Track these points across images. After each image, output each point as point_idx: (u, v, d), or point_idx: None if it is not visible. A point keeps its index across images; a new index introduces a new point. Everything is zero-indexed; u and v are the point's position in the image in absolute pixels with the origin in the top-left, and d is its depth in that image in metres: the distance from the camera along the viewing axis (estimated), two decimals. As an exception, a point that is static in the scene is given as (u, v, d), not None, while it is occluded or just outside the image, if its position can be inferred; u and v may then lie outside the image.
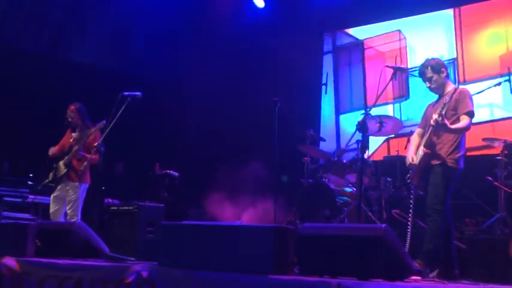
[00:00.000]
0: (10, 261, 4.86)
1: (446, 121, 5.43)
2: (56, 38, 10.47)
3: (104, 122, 7.45)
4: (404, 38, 10.31)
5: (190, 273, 4.13)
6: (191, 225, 4.57)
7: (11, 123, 9.78)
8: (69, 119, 7.87)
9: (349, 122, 10.72)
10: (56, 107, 8.29)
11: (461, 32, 9.71)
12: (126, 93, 7.19)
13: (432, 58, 5.93)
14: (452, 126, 5.52)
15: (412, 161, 5.77)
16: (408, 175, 5.83)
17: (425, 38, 10.14)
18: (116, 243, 6.44)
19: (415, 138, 6.00)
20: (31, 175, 9.17)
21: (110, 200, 8.38)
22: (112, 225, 7.56)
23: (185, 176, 9.90)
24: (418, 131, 6.04)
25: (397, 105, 9.78)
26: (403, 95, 6.02)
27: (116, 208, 7.87)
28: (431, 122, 5.49)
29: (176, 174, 9.66)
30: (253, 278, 3.90)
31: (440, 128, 5.50)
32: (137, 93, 7.28)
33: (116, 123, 7.21)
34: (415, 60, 9.99)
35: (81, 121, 7.86)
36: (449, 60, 9.60)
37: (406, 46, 10.25)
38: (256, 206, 9.29)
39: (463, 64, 9.59)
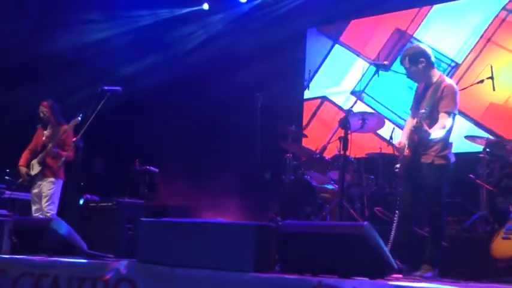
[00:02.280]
0: (-15, 259, 4.78)
1: (426, 127, 5.26)
2: (36, 31, 10.30)
3: (79, 118, 7.39)
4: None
5: (170, 270, 4.08)
6: (171, 222, 4.53)
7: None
8: (41, 115, 7.80)
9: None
10: (34, 102, 8.18)
11: (493, 35, 9.02)
12: (106, 87, 7.13)
13: (411, 46, 5.77)
14: (433, 135, 5.32)
15: (400, 145, 5.65)
16: (397, 165, 5.67)
17: (449, 22, 9.58)
18: (94, 240, 6.38)
19: (408, 121, 5.84)
20: (8, 170, 9.03)
21: (89, 196, 8.28)
22: (91, 222, 7.50)
23: (165, 172, 9.82)
24: (410, 116, 5.87)
25: (369, 72, 8.38)
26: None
27: (94, 204, 7.80)
28: (411, 127, 5.35)
29: (156, 170, 9.58)
30: (233, 275, 3.86)
31: (421, 134, 5.33)
32: (117, 87, 7.22)
33: (96, 118, 7.15)
34: (424, 34, 9.65)
35: (53, 117, 7.80)
36: (451, 62, 9.29)
37: (428, 13, 9.76)
38: (238, 202, 9.26)
39: (462, 76, 9.13)
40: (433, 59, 5.63)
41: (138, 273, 4.21)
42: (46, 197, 7.55)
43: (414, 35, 9.78)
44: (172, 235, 4.28)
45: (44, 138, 7.75)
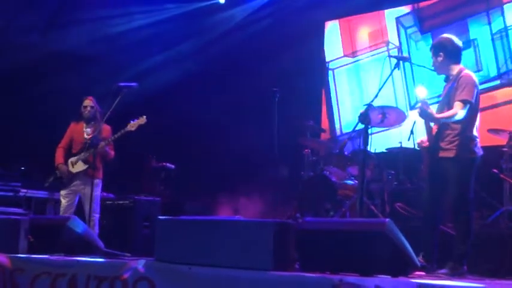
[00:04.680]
0: (2, 258, 4.77)
1: (431, 110, 5.22)
2: (50, 27, 10.27)
3: (145, 117, 7.35)
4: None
5: (188, 269, 4.06)
6: (189, 221, 4.52)
7: (1, 116, 9.60)
8: (89, 109, 7.60)
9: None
10: (47, 100, 8.13)
11: None
12: (122, 83, 7.07)
13: (439, 39, 5.65)
14: (438, 116, 5.27)
15: (422, 143, 5.58)
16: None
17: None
18: (110, 238, 6.35)
19: None
20: (23, 168, 8.99)
21: (105, 194, 8.25)
22: (107, 220, 7.45)
23: (182, 169, 9.76)
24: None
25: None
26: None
27: (111, 202, 7.76)
28: (417, 111, 5.29)
29: (173, 166, 9.53)
30: (252, 274, 3.84)
31: (426, 117, 5.29)
32: (133, 83, 7.16)
33: (112, 115, 7.11)
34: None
35: (98, 114, 7.63)
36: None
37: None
38: (256, 199, 9.19)
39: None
40: (455, 53, 5.50)
41: (156, 272, 4.20)
42: (92, 199, 7.26)
43: (504, 6, 8.82)
44: (190, 233, 4.26)
45: (85, 135, 7.55)
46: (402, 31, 9.73)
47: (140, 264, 4.28)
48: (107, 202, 7.80)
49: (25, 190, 8.59)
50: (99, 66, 10.38)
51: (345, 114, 10.39)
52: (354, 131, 6.74)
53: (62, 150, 7.64)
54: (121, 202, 7.65)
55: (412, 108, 9.34)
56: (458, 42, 5.56)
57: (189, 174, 10.01)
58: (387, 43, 9.88)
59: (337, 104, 10.48)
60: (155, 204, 7.86)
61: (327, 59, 10.63)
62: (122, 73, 9.77)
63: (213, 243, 4.11)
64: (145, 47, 10.95)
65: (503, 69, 8.67)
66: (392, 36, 9.88)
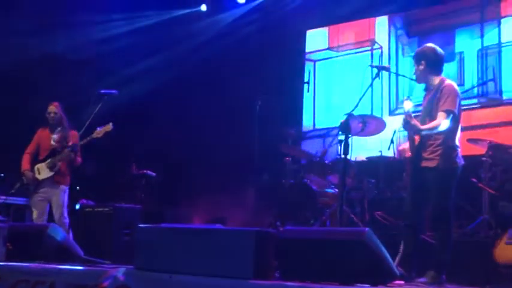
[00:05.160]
0: (-21, 266, 4.72)
1: (415, 121, 5.22)
2: (36, 31, 10.19)
3: (111, 124, 7.29)
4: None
5: (168, 278, 4.05)
6: (169, 228, 4.49)
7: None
8: (52, 115, 7.56)
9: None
10: (29, 104, 8.04)
11: None
12: (103, 91, 7.06)
13: (422, 48, 5.66)
14: (423, 127, 5.27)
15: (403, 151, 5.59)
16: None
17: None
18: (91, 246, 6.30)
19: None
20: (2, 175, 8.91)
21: (85, 201, 8.21)
22: (87, 227, 7.41)
23: (163, 177, 9.74)
24: None
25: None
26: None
27: (90, 209, 7.71)
28: (401, 123, 5.29)
29: (153, 174, 9.52)
30: (232, 282, 3.83)
31: (410, 128, 5.32)
32: (113, 91, 7.15)
33: (92, 122, 7.07)
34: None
35: (64, 120, 7.61)
36: None
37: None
38: (237, 208, 9.20)
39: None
40: (437, 63, 5.52)
41: (136, 280, 4.19)
42: (60, 206, 7.32)
43: (502, 20, 8.62)
44: (170, 241, 4.25)
45: (52, 142, 7.52)
46: (393, 30, 9.75)
47: (120, 272, 4.26)
48: (87, 209, 7.75)
49: (4, 197, 8.50)
50: (81, 72, 10.33)
51: (320, 109, 10.44)
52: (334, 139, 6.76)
53: (29, 156, 7.58)
54: (101, 209, 7.59)
55: (391, 113, 9.40)
56: (441, 52, 5.59)
57: (169, 182, 9.98)
58: (373, 42, 9.91)
59: (314, 98, 10.50)
60: (135, 211, 7.81)
61: (311, 49, 10.68)
62: (103, 79, 9.74)
63: (194, 251, 4.10)
64: (127, 54, 10.91)
65: (484, 79, 8.58)
66: (380, 34, 9.88)
